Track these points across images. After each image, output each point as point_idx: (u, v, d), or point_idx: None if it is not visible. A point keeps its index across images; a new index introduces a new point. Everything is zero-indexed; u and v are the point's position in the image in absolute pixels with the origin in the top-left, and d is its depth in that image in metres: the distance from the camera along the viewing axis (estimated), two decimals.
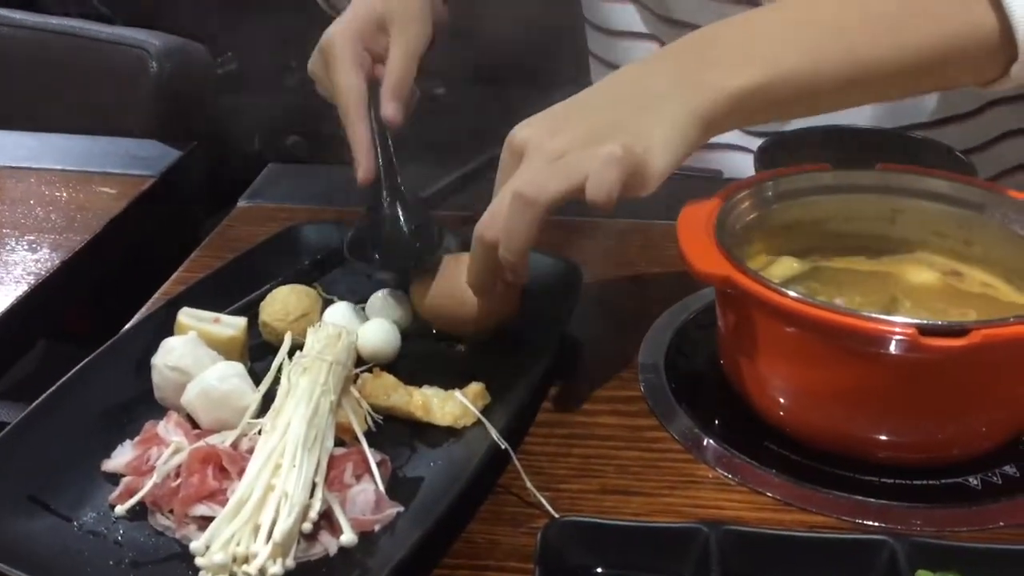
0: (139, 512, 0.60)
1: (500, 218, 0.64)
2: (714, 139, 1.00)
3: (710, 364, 0.72)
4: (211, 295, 0.76)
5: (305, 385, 0.62)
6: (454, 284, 0.71)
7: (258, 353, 0.73)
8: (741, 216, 0.71)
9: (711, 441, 0.67)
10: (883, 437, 0.64)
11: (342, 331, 0.66)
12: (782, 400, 0.66)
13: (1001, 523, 0.61)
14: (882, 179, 0.75)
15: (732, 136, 1.02)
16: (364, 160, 0.77)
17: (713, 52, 0.67)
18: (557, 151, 0.63)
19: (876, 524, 0.60)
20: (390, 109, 0.78)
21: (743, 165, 0.99)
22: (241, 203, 1.00)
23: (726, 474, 0.64)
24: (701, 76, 0.65)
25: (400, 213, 0.78)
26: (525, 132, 0.65)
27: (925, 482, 0.63)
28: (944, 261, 0.74)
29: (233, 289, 0.78)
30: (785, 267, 0.74)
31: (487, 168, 0.89)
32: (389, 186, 0.78)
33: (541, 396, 0.70)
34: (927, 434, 0.63)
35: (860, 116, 0.96)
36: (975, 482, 0.63)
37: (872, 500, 0.62)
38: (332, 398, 0.62)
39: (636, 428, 0.68)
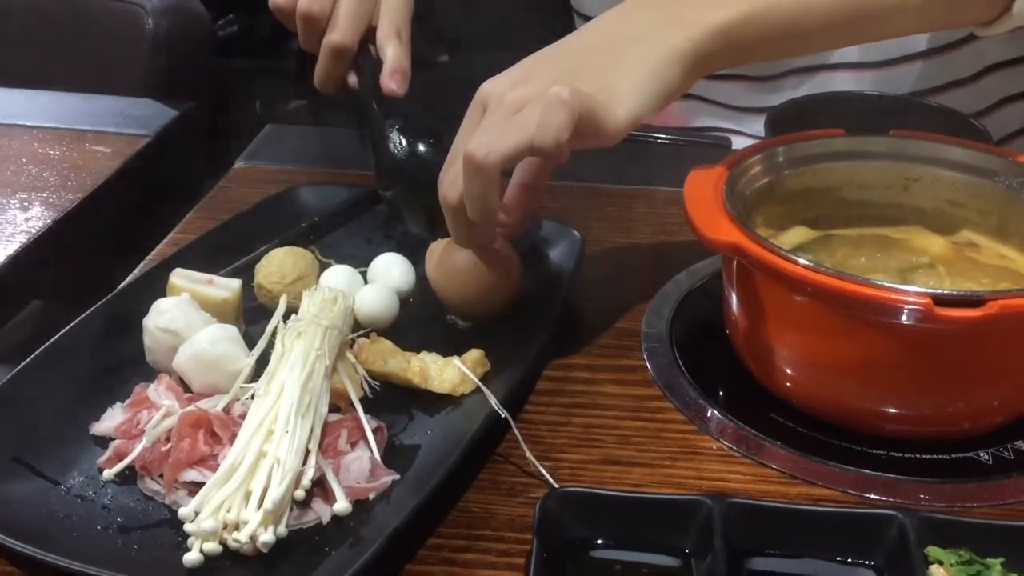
0: (128, 476, 0.58)
1: (459, 179, 0.62)
2: (719, 123, 0.99)
3: (715, 334, 0.71)
4: (205, 257, 0.75)
5: (299, 349, 0.60)
6: (457, 265, 0.69)
7: (253, 316, 0.72)
8: (751, 182, 0.70)
9: (715, 412, 0.65)
10: (892, 410, 0.62)
11: (338, 295, 0.64)
12: (789, 371, 0.65)
13: (1012, 499, 0.59)
14: (895, 146, 0.73)
15: (735, 121, 1.00)
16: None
17: None
18: (517, 103, 0.61)
19: (883, 499, 0.59)
20: (393, 83, 0.76)
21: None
22: (238, 164, 0.98)
23: (730, 446, 0.63)
24: (681, 13, 0.63)
25: (402, 138, 0.76)
26: (490, 85, 0.64)
27: (935, 456, 0.62)
28: (958, 231, 0.72)
29: (228, 251, 0.77)
30: (795, 235, 0.72)
31: None
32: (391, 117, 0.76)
33: (542, 364, 0.69)
34: (938, 407, 0.62)
35: (861, 84, 0.94)
36: (986, 457, 0.62)
37: (880, 474, 0.60)
38: (327, 363, 0.60)
39: (639, 398, 0.67)
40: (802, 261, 0.58)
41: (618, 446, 0.63)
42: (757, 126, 0.98)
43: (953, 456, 0.62)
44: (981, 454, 0.62)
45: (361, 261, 0.76)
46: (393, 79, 0.77)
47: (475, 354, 0.66)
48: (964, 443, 0.63)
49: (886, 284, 0.57)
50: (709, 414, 0.65)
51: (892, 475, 0.60)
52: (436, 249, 0.72)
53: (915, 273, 0.69)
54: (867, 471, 0.61)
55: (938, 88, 0.94)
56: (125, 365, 0.66)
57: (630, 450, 0.63)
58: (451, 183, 0.63)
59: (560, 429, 0.64)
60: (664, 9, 0.64)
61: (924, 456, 0.62)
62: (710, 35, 0.62)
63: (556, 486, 0.58)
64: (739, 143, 0.99)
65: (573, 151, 0.60)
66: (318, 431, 0.58)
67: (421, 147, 0.75)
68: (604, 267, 0.80)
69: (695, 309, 0.75)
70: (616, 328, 0.73)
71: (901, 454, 0.62)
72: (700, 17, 0.62)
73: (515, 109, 0.60)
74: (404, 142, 0.75)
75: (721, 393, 0.67)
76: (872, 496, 0.59)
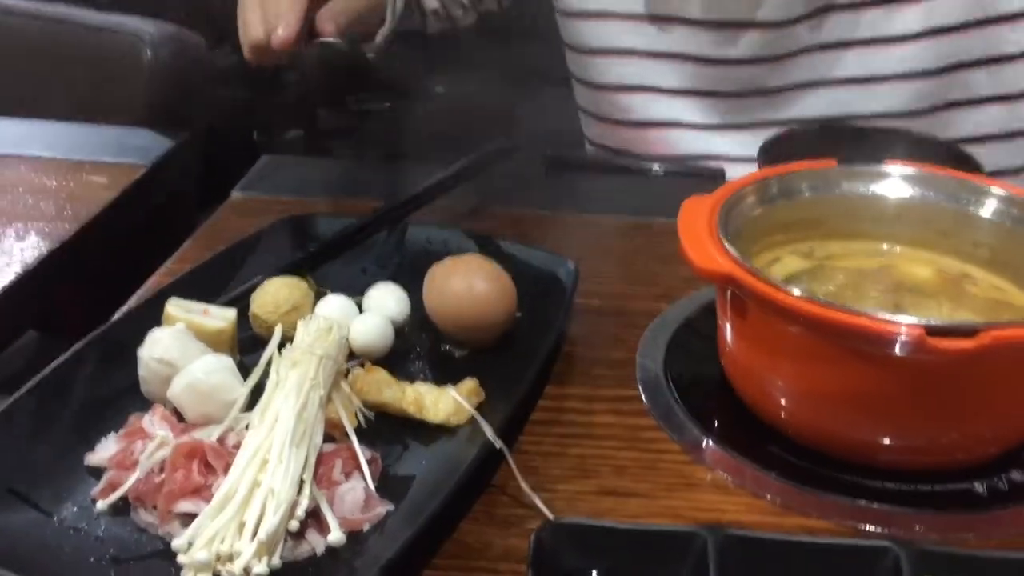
0: (122, 508, 0.58)
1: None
2: (713, 151, 0.99)
3: (710, 363, 0.71)
4: (201, 286, 0.75)
5: (294, 379, 0.60)
6: (453, 290, 0.70)
7: (248, 346, 0.71)
8: (744, 212, 0.70)
9: (710, 443, 0.65)
10: (886, 441, 0.62)
11: (333, 324, 0.64)
12: (783, 401, 0.65)
13: (1008, 530, 0.59)
14: (888, 176, 0.74)
15: (731, 146, 1.01)
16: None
17: None
18: None
19: (879, 530, 0.59)
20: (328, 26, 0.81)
21: None
22: (235, 194, 0.98)
23: (725, 476, 0.63)
24: None
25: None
26: None
27: (930, 487, 0.62)
28: (951, 262, 0.72)
29: (223, 281, 0.77)
30: (789, 265, 0.73)
31: (486, 163, 0.89)
32: None
33: (537, 394, 0.69)
34: (932, 438, 0.62)
35: (864, 99, 0.95)
36: (981, 488, 0.62)
37: (875, 505, 0.60)
38: (321, 392, 0.60)
39: (634, 428, 0.67)
40: (795, 292, 0.59)
41: (614, 477, 0.63)
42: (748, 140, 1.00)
43: (948, 487, 0.62)
44: (976, 485, 0.62)
45: (356, 291, 0.76)
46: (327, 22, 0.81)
47: (470, 384, 0.66)
48: (959, 474, 0.63)
49: (879, 315, 0.57)
50: (704, 444, 0.65)
51: (887, 506, 0.60)
52: (434, 273, 0.72)
53: (908, 304, 0.69)
54: (862, 502, 0.61)
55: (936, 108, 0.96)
56: (120, 395, 0.66)
57: (625, 481, 0.62)
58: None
59: (555, 459, 0.64)
60: None
61: (919, 487, 0.62)
62: None
63: (551, 517, 0.57)
64: (732, 171, 0.99)
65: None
66: (312, 461, 0.58)
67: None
68: (599, 297, 0.80)
69: (689, 339, 0.75)
70: (611, 358, 0.73)
71: (896, 485, 0.62)
72: None
73: None
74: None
75: (716, 423, 0.67)
76: (867, 527, 0.59)
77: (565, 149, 1.07)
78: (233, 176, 1.01)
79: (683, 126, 1.04)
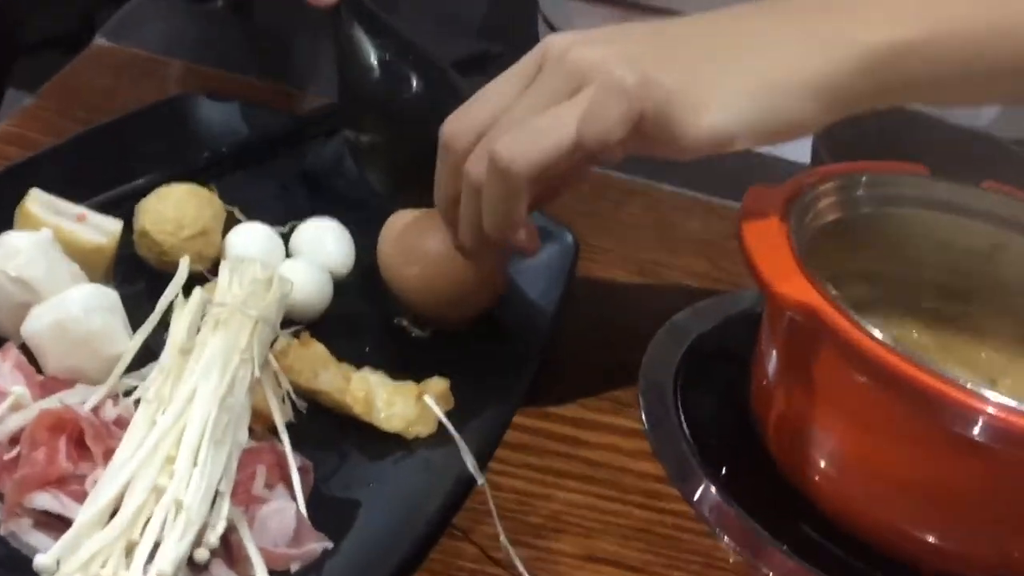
0: None
1: (483, 155, 0.59)
2: None
3: (733, 397, 0.71)
4: (65, 173, 0.72)
5: (219, 346, 0.56)
6: (426, 250, 0.67)
7: (126, 272, 0.69)
8: (819, 216, 0.69)
9: (732, 510, 0.65)
10: (951, 544, 0.63)
11: (274, 274, 0.60)
12: (829, 470, 0.65)
13: None
14: (986, 202, 0.75)
15: None
16: None
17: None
18: (579, 68, 0.58)
19: None
20: None
21: None
22: (99, 40, 0.93)
23: (751, 560, 0.63)
24: (831, 26, 0.61)
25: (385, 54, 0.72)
26: (557, 37, 0.61)
27: None
28: None
29: (98, 171, 0.74)
30: (852, 293, 0.73)
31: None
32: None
33: (515, 408, 0.68)
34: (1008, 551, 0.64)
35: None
36: None
37: None
38: (254, 370, 0.57)
39: (636, 475, 0.66)
40: (896, 347, 0.59)
41: (608, 538, 0.62)
42: None
43: None
44: None
45: (275, 218, 0.74)
46: None
47: (439, 384, 0.64)
48: None
49: (986, 393, 0.57)
50: (724, 512, 0.65)
51: None
52: (397, 223, 0.69)
53: (994, 373, 0.71)
54: None
55: None
56: None
57: (622, 546, 0.62)
58: (477, 158, 0.60)
59: (534, 502, 0.63)
60: (807, 18, 0.61)
61: None
62: (861, 60, 0.59)
63: None
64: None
65: (630, 156, 0.59)
66: (233, 467, 0.55)
67: (412, 76, 0.71)
68: (596, 285, 0.79)
69: (709, 360, 0.75)
70: (608, 370, 0.73)
71: None
72: (855, 34, 0.60)
73: (574, 77, 0.58)
74: (386, 61, 0.71)
75: (738, 482, 0.67)
76: None
77: None
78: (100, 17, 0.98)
79: None
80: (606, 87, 0.57)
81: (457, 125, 0.61)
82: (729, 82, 0.59)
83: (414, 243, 0.68)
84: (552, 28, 1.09)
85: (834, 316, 0.60)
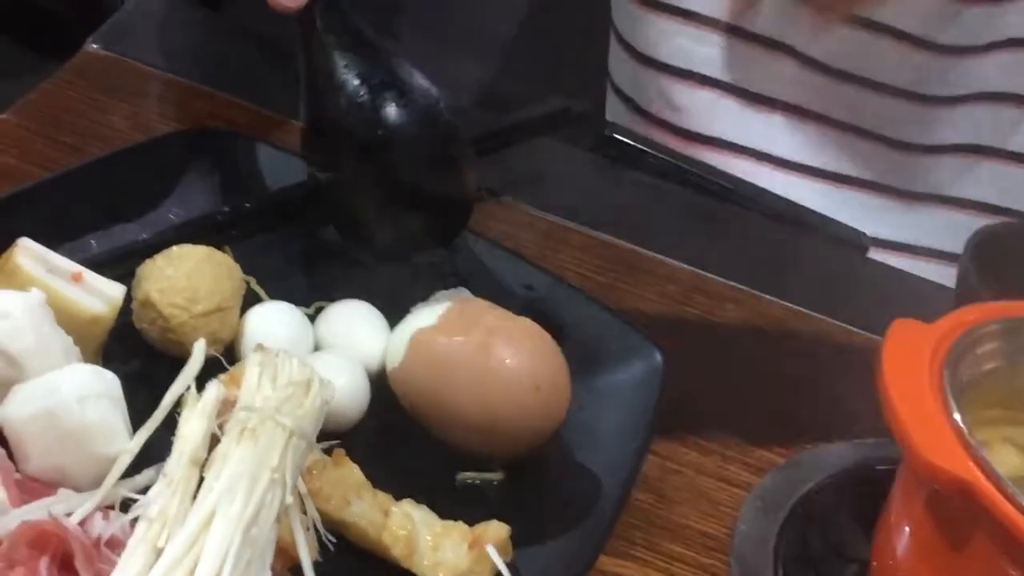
0: None
1: None
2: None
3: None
4: (52, 218, 0.71)
5: (246, 462, 0.55)
6: (454, 364, 0.68)
7: (118, 347, 0.68)
8: (977, 363, 0.69)
9: None
10: None
11: (313, 377, 0.59)
12: None
13: None
14: None
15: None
16: None
17: None
18: None
19: None
20: None
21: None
22: (91, 47, 0.94)
23: None
24: None
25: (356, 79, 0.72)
26: None
27: None
28: None
29: (91, 217, 0.74)
30: (1000, 459, 0.72)
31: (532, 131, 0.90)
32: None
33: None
34: None
35: None
36: None
37: None
38: (285, 495, 0.56)
39: None
40: None
41: None
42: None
43: None
44: None
45: (297, 294, 0.74)
46: None
47: (498, 532, 0.63)
48: None
49: None
50: None
51: None
52: (424, 340, 0.70)
53: None
54: None
55: None
56: None
57: None
58: None
59: None
60: None
61: None
62: None
63: None
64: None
65: None
66: None
67: (396, 107, 0.72)
68: (680, 408, 0.78)
69: (817, 528, 0.74)
70: (693, 529, 0.73)
71: None
72: None
73: None
74: (367, 87, 0.72)
75: None
76: None
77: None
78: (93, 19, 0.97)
79: (766, 160, 1.06)
80: None
81: None
82: None
83: (465, 365, 0.68)
84: (618, 91, 1.13)
85: (993, 494, 0.59)
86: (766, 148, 1.06)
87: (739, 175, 1.03)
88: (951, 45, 0.99)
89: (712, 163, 1.05)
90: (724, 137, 1.07)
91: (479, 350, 0.68)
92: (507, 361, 0.68)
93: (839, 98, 1.04)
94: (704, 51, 1.04)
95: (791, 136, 1.06)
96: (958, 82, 1.01)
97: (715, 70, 1.05)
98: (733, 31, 1.03)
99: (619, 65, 1.12)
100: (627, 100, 1.12)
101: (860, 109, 1.04)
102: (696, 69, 1.05)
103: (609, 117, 1.15)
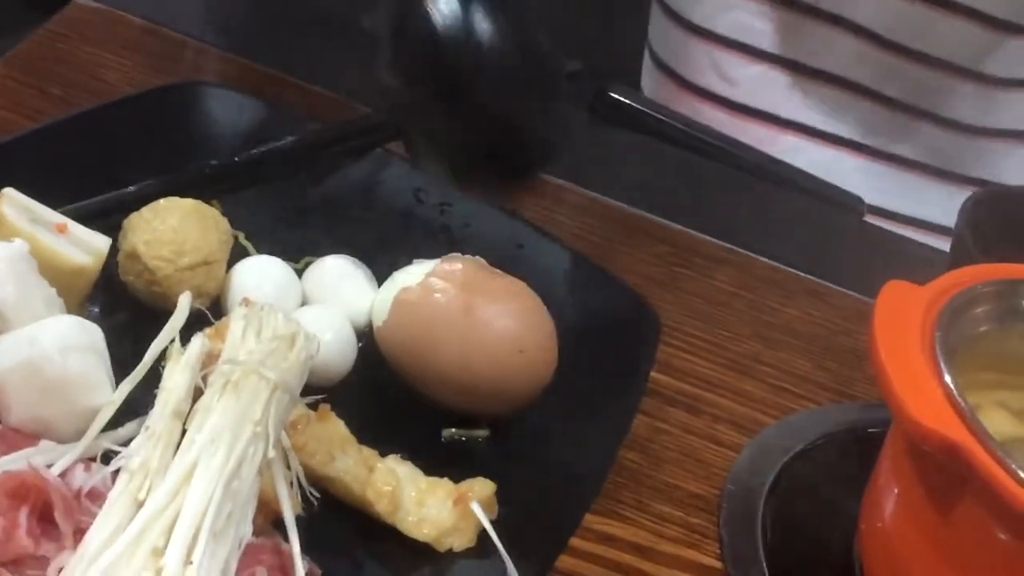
0: None
1: None
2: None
3: (834, 538, 0.71)
4: (36, 169, 0.70)
5: (229, 415, 0.55)
6: (437, 324, 0.68)
7: (104, 299, 0.69)
8: (966, 326, 0.69)
9: None
10: None
11: (298, 331, 0.59)
12: None
13: None
14: None
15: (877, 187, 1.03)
16: None
17: None
18: None
19: None
20: None
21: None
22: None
23: None
24: None
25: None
26: None
27: None
28: None
29: (77, 170, 0.73)
30: (992, 423, 0.72)
31: None
32: None
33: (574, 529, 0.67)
34: None
35: None
36: None
37: None
38: (268, 448, 0.55)
39: None
40: None
41: None
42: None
43: None
44: None
45: (285, 249, 0.74)
46: None
47: (483, 489, 0.63)
48: None
49: None
50: None
51: None
52: (408, 299, 0.69)
53: None
54: None
55: None
56: None
57: None
58: None
59: None
60: None
61: None
62: None
63: None
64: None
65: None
66: (232, 568, 0.53)
67: (504, 42, 0.69)
68: (671, 368, 0.79)
69: (806, 489, 0.75)
70: (683, 489, 0.73)
71: None
72: None
73: None
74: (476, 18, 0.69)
75: None
76: None
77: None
78: None
79: (814, 135, 1.06)
80: None
81: None
82: None
83: (450, 326, 0.68)
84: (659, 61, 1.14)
85: (984, 459, 0.59)
86: (815, 123, 1.08)
87: (785, 150, 1.04)
88: (1015, 23, 0.99)
89: (759, 137, 1.06)
90: (773, 111, 1.08)
91: (462, 312, 0.68)
92: (490, 323, 0.68)
93: (895, 74, 1.04)
94: (761, 24, 1.05)
95: (842, 112, 1.07)
96: (1020, 64, 1.01)
97: (771, 44, 1.06)
98: (792, 5, 1.03)
99: (662, 35, 1.13)
100: (669, 71, 1.13)
101: (915, 86, 1.05)
102: (752, 43, 1.06)
103: (644, 86, 1.16)
